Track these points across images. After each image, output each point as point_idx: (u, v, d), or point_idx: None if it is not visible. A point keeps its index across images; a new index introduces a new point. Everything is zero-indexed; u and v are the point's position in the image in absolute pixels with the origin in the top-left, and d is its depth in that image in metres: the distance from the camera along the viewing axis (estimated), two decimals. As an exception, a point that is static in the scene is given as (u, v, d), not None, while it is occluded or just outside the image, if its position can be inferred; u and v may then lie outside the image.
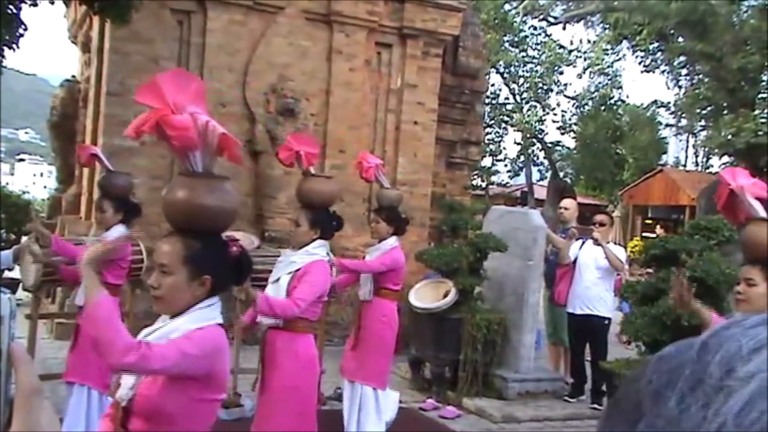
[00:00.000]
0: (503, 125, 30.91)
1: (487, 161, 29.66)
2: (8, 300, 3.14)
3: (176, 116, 2.18)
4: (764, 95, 19.38)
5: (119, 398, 2.21)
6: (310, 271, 4.05)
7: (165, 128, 2.18)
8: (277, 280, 4.16)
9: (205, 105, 2.30)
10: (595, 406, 6.85)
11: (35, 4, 7.23)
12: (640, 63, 25.15)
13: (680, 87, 26.48)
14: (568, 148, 32.88)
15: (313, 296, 4.04)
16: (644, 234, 19.33)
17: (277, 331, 4.09)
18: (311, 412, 4.21)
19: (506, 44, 28.43)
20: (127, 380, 2.23)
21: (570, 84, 43.09)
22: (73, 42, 11.79)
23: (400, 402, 6.67)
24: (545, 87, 30.09)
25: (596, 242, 7.06)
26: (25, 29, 7.22)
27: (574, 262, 7.15)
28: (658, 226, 15.05)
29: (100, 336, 2.12)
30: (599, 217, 7.40)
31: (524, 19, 28.10)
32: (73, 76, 11.57)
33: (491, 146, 30.12)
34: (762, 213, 3.17)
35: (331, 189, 4.48)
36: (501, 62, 28.12)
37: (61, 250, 4.80)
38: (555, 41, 29.69)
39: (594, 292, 6.98)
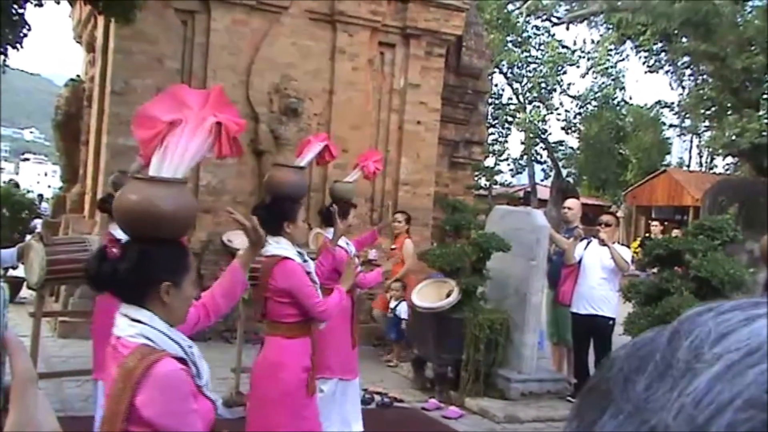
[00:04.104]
0: (506, 125, 30.94)
1: (490, 161, 29.67)
2: (0, 289, 3.12)
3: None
4: (768, 95, 19.31)
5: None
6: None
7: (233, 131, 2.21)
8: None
9: None
10: (598, 406, 6.82)
11: (40, 4, 7.26)
12: (643, 63, 25.10)
13: (684, 87, 26.44)
14: (572, 148, 32.85)
15: None
16: (647, 235, 19.14)
17: (273, 337, 3.81)
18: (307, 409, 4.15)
19: (509, 44, 28.44)
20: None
21: (573, 84, 43.28)
22: (77, 41, 11.82)
23: (403, 402, 6.70)
24: (548, 87, 30.09)
25: (602, 243, 7.04)
26: (29, 29, 7.24)
27: (579, 262, 7.14)
28: (653, 224, 14.62)
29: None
30: (605, 218, 7.38)
31: (527, 19, 28.10)
32: (78, 76, 11.59)
33: (494, 146, 30.14)
34: None
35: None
36: (504, 62, 28.13)
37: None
38: (558, 41, 29.69)
39: (599, 293, 6.97)
